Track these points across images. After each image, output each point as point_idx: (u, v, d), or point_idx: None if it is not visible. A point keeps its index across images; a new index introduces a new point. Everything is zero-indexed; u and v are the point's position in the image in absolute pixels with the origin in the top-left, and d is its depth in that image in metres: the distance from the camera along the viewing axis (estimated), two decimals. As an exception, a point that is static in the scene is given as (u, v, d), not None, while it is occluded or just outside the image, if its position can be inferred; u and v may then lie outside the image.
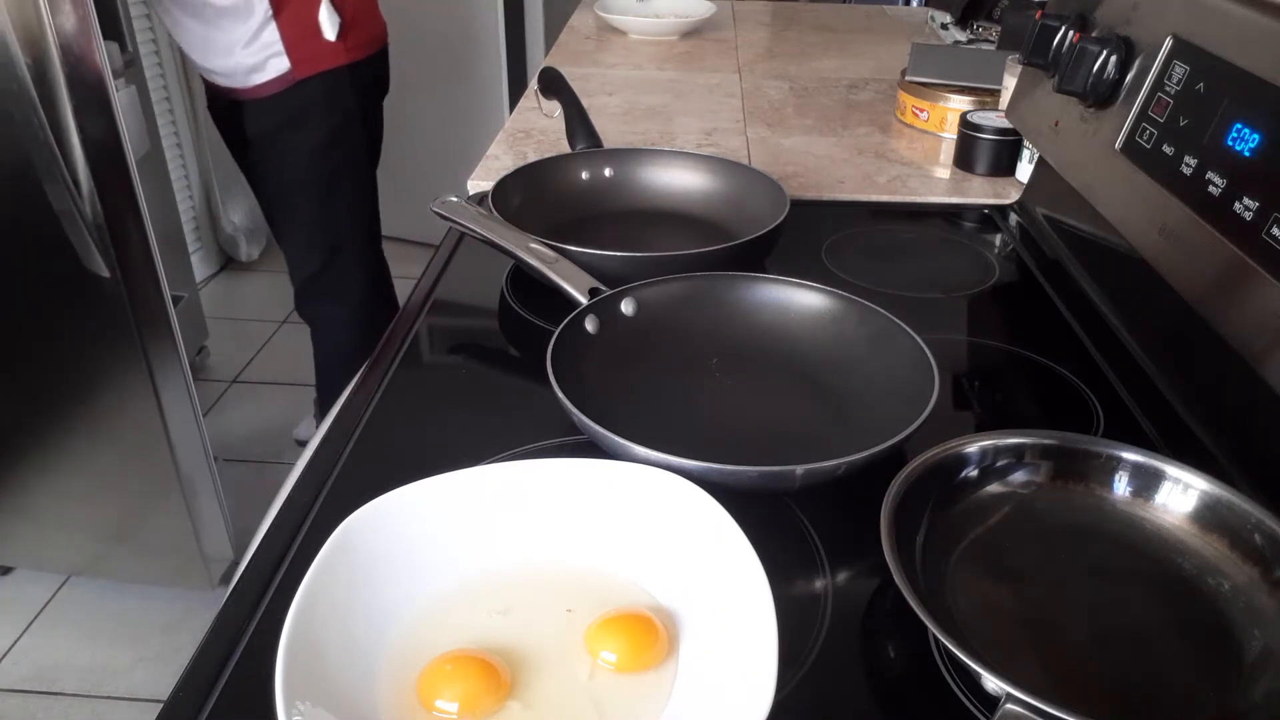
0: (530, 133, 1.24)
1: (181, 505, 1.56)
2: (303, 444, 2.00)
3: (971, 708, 0.47)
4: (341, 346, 1.81)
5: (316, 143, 1.57)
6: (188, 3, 1.43)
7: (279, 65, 1.48)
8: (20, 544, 1.68)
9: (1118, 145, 0.77)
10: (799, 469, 0.55)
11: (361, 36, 1.57)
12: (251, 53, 1.46)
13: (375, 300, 1.78)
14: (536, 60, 2.77)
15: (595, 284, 0.72)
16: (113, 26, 1.79)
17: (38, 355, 1.44)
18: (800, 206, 0.90)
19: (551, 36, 2.45)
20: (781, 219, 0.83)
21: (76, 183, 1.25)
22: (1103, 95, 0.80)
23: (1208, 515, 0.54)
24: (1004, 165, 1.11)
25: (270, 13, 1.44)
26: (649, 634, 0.46)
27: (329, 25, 1.49)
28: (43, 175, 1.23)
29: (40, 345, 1.43)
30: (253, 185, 1.71)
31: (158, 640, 1.64)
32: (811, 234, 0.96)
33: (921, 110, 1.26)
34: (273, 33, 1.45)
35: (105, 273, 1.32)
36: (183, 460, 1.52)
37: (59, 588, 1.73)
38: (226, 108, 1.58)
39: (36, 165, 1.22)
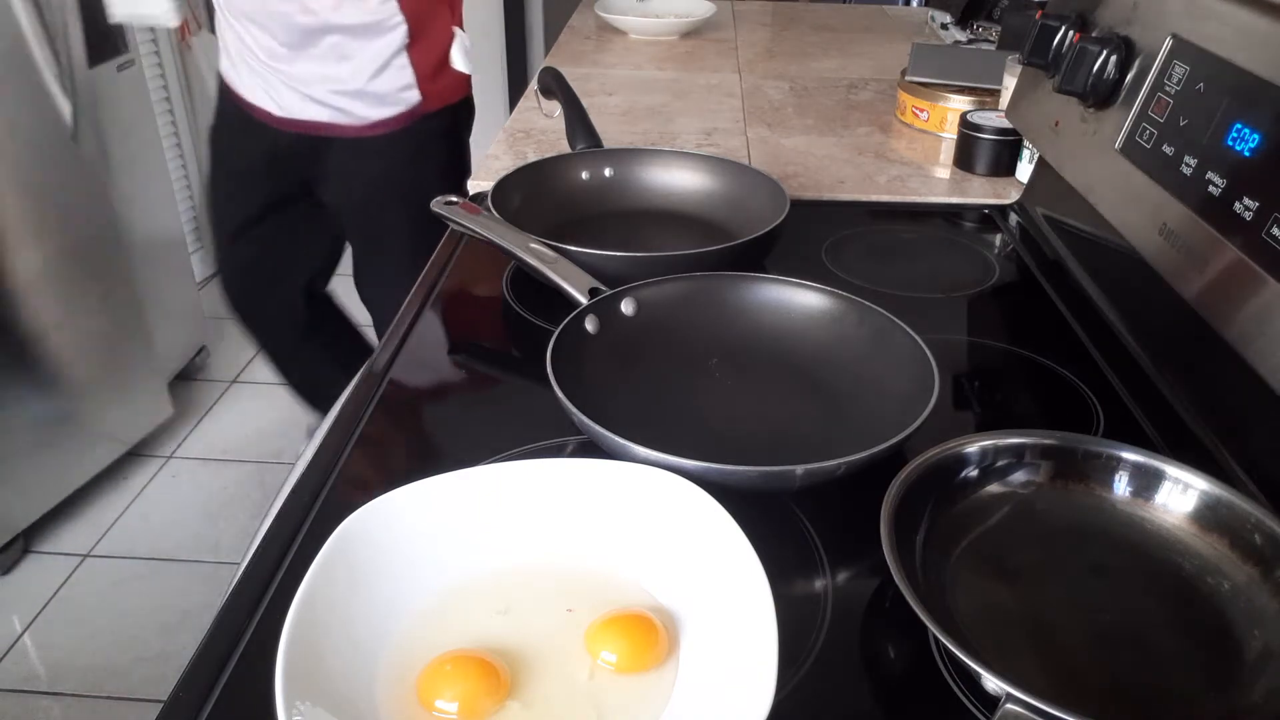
0: (530, 133, 1.24)
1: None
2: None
3: (971, 708, 0.47)
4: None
5: (431, 181, 1.29)
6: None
7: (410, 98, 1.31)
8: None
9: (1118, 145, 0.77)
10: (799, 469, 0.55)
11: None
12: (381, 83, 1.29)
13: None
14: (536, 60, 2.77)
15: (595, 284, 0.72)
16: (115, 27, 1.80)
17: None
18: (800, 206, 0.90)
19: (551, 36, 2.45)
20: (781, 219, 0.83)
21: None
22: (1103, 95, 0.80)
23: (1208, 515, 0.54)
24: (1004, 165, 1.11)
25: (406, 40, 1.27)
26: (649, 634, 0.46)
27: (460, 55, 1.34)
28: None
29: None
30: (347, 233, 1.48)
31: (158, 640, 1.64)
32: (811, 234, 0.96)
33: (921, 110, 1.26)
34: (404, 59, 1.28)
35: None
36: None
37: (59, 588, 1.73)
38: (305, 151, 1.35)
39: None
